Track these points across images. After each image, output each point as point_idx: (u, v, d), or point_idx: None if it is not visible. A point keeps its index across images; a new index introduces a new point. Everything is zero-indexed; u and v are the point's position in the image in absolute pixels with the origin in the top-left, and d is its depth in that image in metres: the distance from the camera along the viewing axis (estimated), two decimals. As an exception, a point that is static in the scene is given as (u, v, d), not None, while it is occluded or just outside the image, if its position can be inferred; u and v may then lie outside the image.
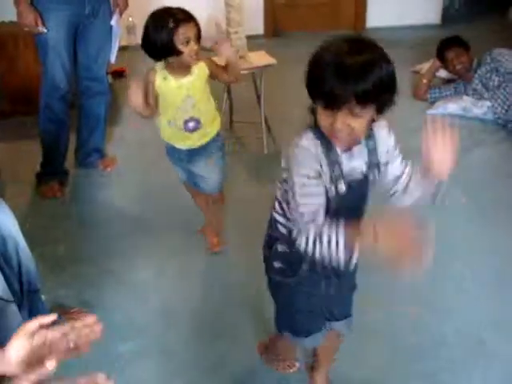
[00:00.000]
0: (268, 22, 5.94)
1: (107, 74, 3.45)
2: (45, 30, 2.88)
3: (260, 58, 3.59)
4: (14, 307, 1.78)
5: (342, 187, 1.41)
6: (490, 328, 2.21)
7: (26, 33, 2.96)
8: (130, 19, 4.80)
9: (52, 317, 1.13)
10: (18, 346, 1.07)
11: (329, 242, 1.33)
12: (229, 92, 3.74)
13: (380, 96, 1.29)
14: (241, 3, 3.38)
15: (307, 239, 1.37)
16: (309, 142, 1.38)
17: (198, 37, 2.18)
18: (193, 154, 2.40)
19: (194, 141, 2.36)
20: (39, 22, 2.85)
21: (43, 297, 2.11)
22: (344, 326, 1.77)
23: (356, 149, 1.42)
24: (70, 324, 1.15)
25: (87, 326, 1.17)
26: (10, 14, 2.92)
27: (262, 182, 3.29)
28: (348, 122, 1.30)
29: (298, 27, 6.04)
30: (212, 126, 2.39)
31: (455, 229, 2.80)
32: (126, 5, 3.21)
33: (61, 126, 3.17)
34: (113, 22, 3.13)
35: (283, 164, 1.46)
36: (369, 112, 1.31)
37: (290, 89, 3.48)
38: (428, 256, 1.24)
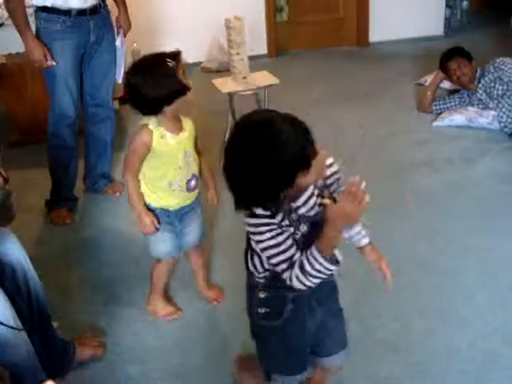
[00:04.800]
0: (271, 42, 5.97)
1: (114, 99, 3.48)
2: (54, 63, 2.92)
3: (263, 78, 3.62)
4: (24, 335, 1.80)
5: (304, 227, 1.46)
6: (503, 340, 2.18)
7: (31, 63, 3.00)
8: (135, 45, 4.84)
9: None
10: None
11: (312, 267, 1.40)
12: (233, 113, 3.77)
13: None
14: (241, 25, 3.42)
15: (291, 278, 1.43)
16: (259, 211, 1.41)
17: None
18: (182, 212, 2.24)
19: (189, 199, 2.22)
20: (48, 57, 2.89)
21: (55, 324, 2.13)
22: (337, 359, 1.76)
23: (303, 196, 1.44)
24: None
25: None
26: (16, 46, 2.96)
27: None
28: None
29: (302, 45, 6.09)
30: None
31: (464, 239, 2.79)
32: (129, 25, 3.26)
33: (70, 154, 3.20)
34: (117, 43, 3.17)
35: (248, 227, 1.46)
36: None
37: (294, 107, 3.50)
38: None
